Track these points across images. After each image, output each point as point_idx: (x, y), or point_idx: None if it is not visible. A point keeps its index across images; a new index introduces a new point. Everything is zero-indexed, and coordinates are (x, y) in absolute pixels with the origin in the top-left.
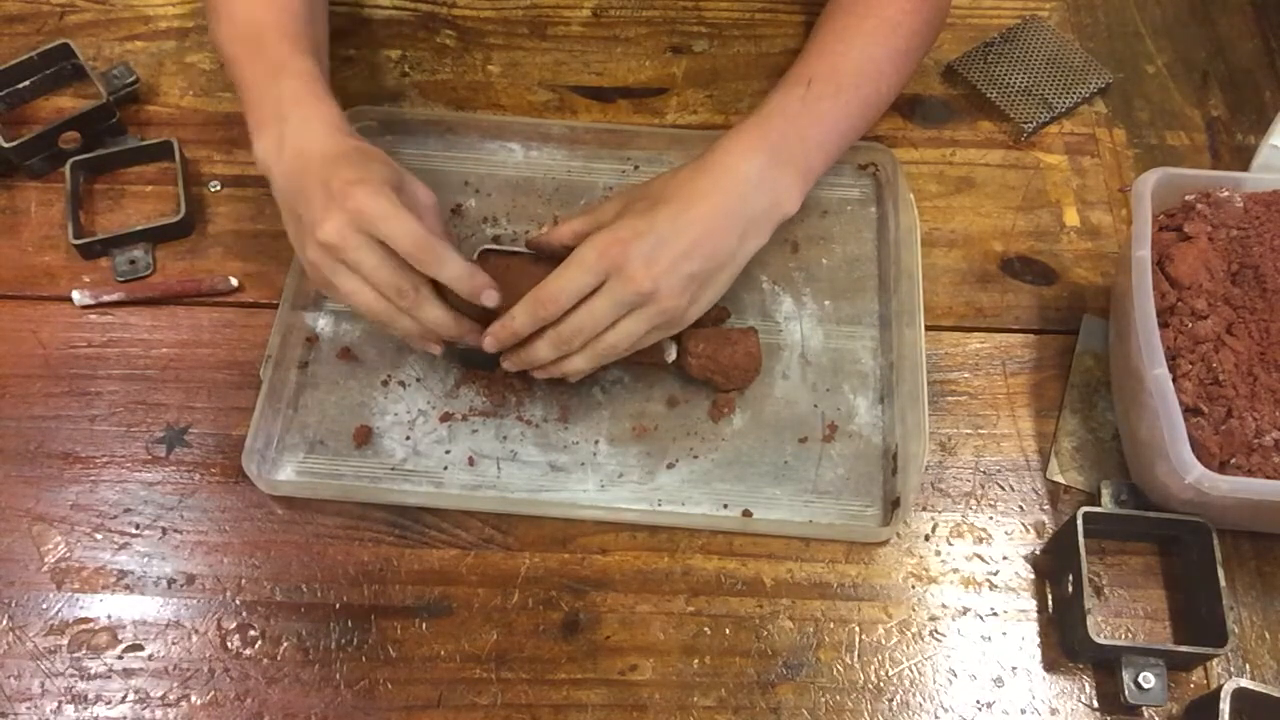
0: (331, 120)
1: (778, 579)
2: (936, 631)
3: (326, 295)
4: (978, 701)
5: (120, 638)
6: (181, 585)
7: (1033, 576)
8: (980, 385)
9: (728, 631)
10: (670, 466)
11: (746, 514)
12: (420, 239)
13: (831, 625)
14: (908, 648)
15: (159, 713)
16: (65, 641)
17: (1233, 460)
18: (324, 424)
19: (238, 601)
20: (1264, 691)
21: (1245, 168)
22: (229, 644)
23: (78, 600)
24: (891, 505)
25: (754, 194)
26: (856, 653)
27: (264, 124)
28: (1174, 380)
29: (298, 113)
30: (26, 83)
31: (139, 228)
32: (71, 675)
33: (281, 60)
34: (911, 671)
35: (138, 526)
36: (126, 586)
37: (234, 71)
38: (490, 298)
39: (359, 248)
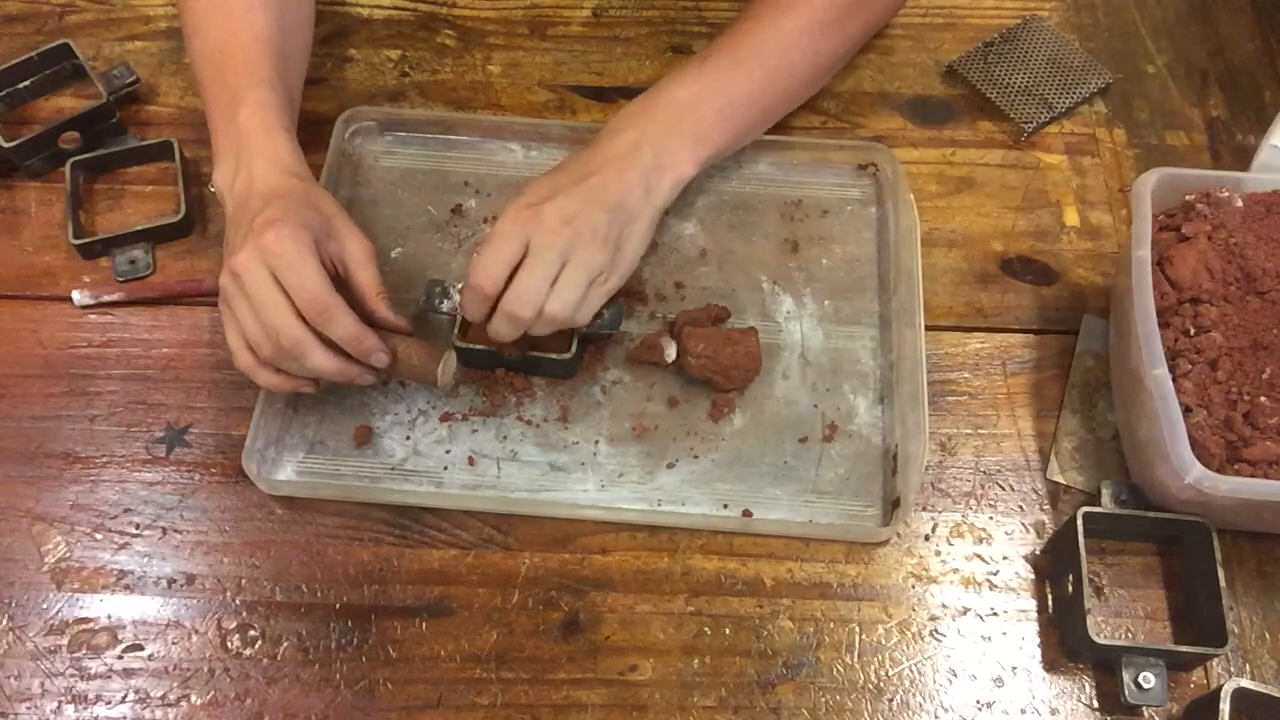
0: (279, 157)
1: (778, 579)
2: (936, 631)
3: (224, 325)
4: (978, 701)
5: (120, 638)
6: (181, 585)
7: (1033, 576)
8: (980, 385)
9: (728, 631)
10: (670, 466)
11: (746, 514)
12: (313, 294)
13: (831, 625)
14: (908, 648)
15: (159, 713)
16: (65, 641)
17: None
18: (324, 424)
19: (238, 601)
20: (1264, 691)
21: (1245, 168)
22: (229, 644)
23: (78, 600)
24: (891, 505)
25: (641, 153)
26: (856, 653)
27: (223, 153)
28: (1174, 380)
29: (249, 147)
30: (26, 83)
31: (139, 228)
32: (71, 675)
33: (241, 90)
34: (911, 671)
35: (138, 526)
36: (126, 586)
37: (202, 94)
38: (379, 359)
39: (257, 282)
